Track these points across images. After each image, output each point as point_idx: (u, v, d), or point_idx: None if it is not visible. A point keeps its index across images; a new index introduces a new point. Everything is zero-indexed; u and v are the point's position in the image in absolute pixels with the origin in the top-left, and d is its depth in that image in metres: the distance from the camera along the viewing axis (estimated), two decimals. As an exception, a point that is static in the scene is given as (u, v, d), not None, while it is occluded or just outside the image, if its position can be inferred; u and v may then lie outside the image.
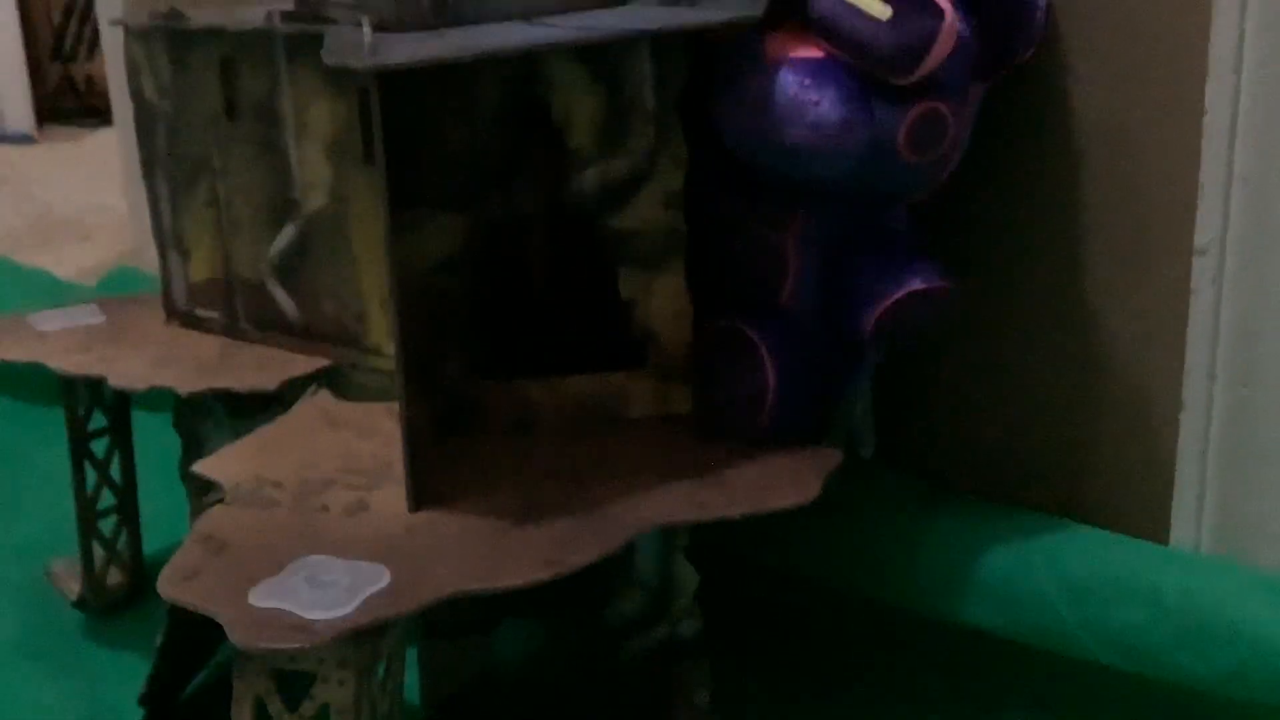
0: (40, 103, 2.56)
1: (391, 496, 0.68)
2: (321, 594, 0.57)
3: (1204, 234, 0.72)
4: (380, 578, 0.59)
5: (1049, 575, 0.74)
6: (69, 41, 2.66)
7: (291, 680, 0.58)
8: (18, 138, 2.49)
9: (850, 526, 0.83)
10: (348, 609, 0.56)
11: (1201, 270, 0.72)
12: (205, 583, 0.59)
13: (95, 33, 2.58)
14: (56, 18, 2.64)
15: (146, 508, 1.02)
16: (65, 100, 2.65)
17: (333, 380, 0.81)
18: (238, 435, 0.77)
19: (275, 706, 0.57)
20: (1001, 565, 0.76)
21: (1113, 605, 0.72)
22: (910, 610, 0.80)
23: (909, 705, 0.83)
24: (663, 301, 0.76)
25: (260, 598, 0.57)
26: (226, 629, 0.55)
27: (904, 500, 0.84)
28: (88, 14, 2.58)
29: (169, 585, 0.59)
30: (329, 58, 0.67)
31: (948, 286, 0.72)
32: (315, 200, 0.81)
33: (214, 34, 0.81)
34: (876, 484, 0.85)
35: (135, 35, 0.87)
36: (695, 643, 0.80)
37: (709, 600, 0.80)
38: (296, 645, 0.54)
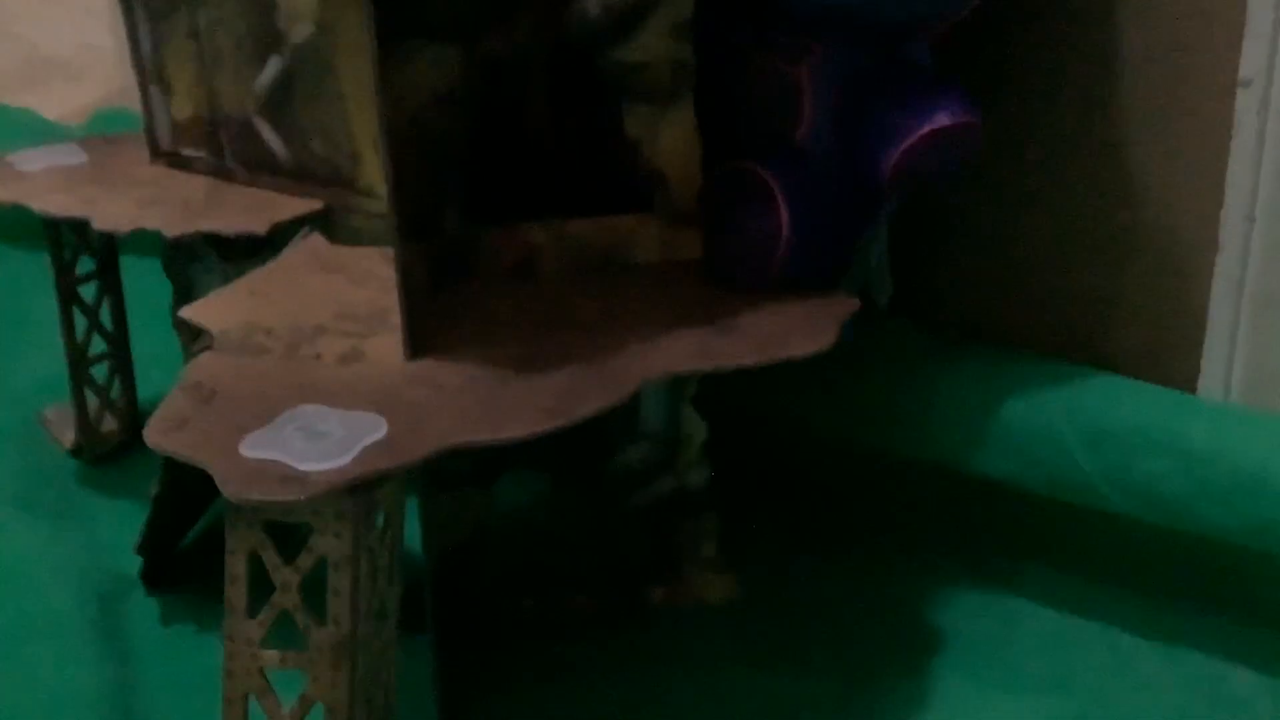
0: (21, -64, 2.47)
1: (387, 345, 0.65)
2: (316, 444, 0.55)
3: (1249, 64, 0.67)
4: (377, 428, 0.56)
5: (1067, 423, 0.72)
6: None
7: (286, 532, 0.56)
8: (-1, -27, 2.40)
9: (862, 377, 0.80)
10: (343, 460, 0.54)
11: (1245, 104, 0.68)
12: (194, 432, 0.57)
13: None
14: None
15: (141, 354, 0.99)
16: (47, -67, 2.55)
17: (325, 223, 0.78)
18: (228, 279, 0.74)
19: (270, 559, 0.55)
20: (1018, 413, 0.74)
21: (1134, 454, 0.69)
22: (923, 462, 0.78)
23: (921, 557, 0.82)
24: (671, 140, 0.72)
25: (252, 448, 0.55)
26: (217, 481, 0.53)
27: (918, 349, 0.82)
28: None
29: (156, 435, 0.56)
30: None
31: (976, 122, 0.68)
32: (301, 31, 0.76)
33: None
34: (890, 333, 0.83)
35: None
36: (703, 495, 0.79)
37: (716, 453, 0.78)
38: (290, 498, 0.52)
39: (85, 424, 0.95)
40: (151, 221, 0.79)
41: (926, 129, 0.68)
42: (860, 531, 0.84)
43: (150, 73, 0.86)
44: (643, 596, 0.80)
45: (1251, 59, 0.67)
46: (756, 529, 0.84)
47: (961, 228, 0.83)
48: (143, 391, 1.00)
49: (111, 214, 0.81)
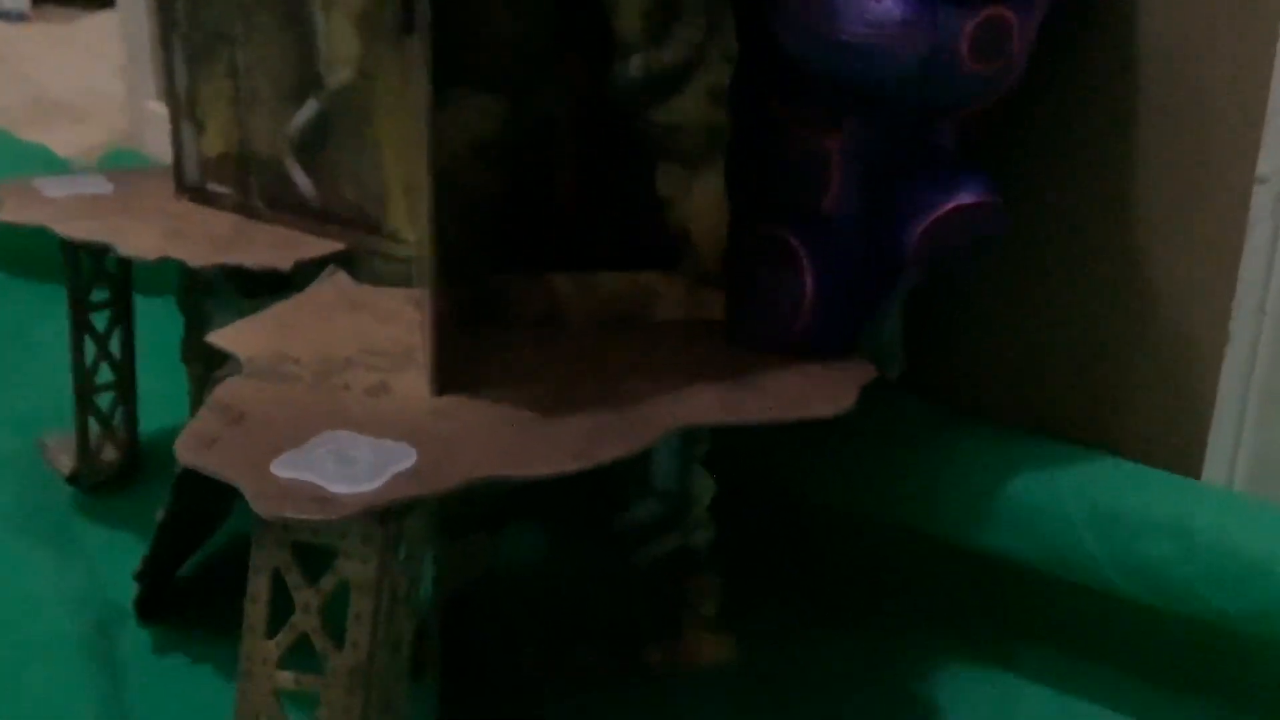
0: (35, -19, 2.51)
1: (414, 381, 0.66)
2: (347, 468, 0.55)
3: (1268, 161, 0.70)
4: (406, 457, 0.57)
5: (1076, 504, 0.73)
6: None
7: (309, 553, 0.56)
8: (11, 15, 2.43)
9: (871, 448, 0.81)
10: (374, 485, 0.54)
11: (1261, 200, 0.70)
12: (224, 450, 0.57)
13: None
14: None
15: (142, 391, 0.99)
16: (60, -20, 2.59)
17: (348, 265, 0.79)
18: (243, 315, 0.75)
19: (294, 579, 0.55)
20: (1027, 492, 0.75)
21: (1141, 537, 0.70)
22: (930, 536, 0.79)
23: (921, 630, 0.82)
24: (701, 201, 0.74)
25: (283, 468, 0.55)
26: (249, 497, 0.53)
27: (927, 423, 0.83)
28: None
29: (187, 451, 0.56)
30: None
31: (998, 202, 0.70)
32: (340, 76, 0.78)
33: (245, -108, 0.78)
34: (899, 407, 0.84)
35: (161, -108, 0.83)
36: (706, 555, 0.79)
37: (722, 516, 0.79)
38: (321, 517, 0.52)
39: (85, 451, 0.95)
40: (176, 252, 0.80)
41: (952, 205, 0.70)
42: (861, 601, 0.85)
43: (183, 110, 0.88)
44: (642, 654, 0.80)
45: (1270, 156, 0.70)
46: (757, 593, 0.84)
47: (973, 309, 0.84)
48: (143, 426, 1.00)
49: (136, 243, 0.82)
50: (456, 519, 0.76)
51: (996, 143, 0.78)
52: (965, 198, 0.70)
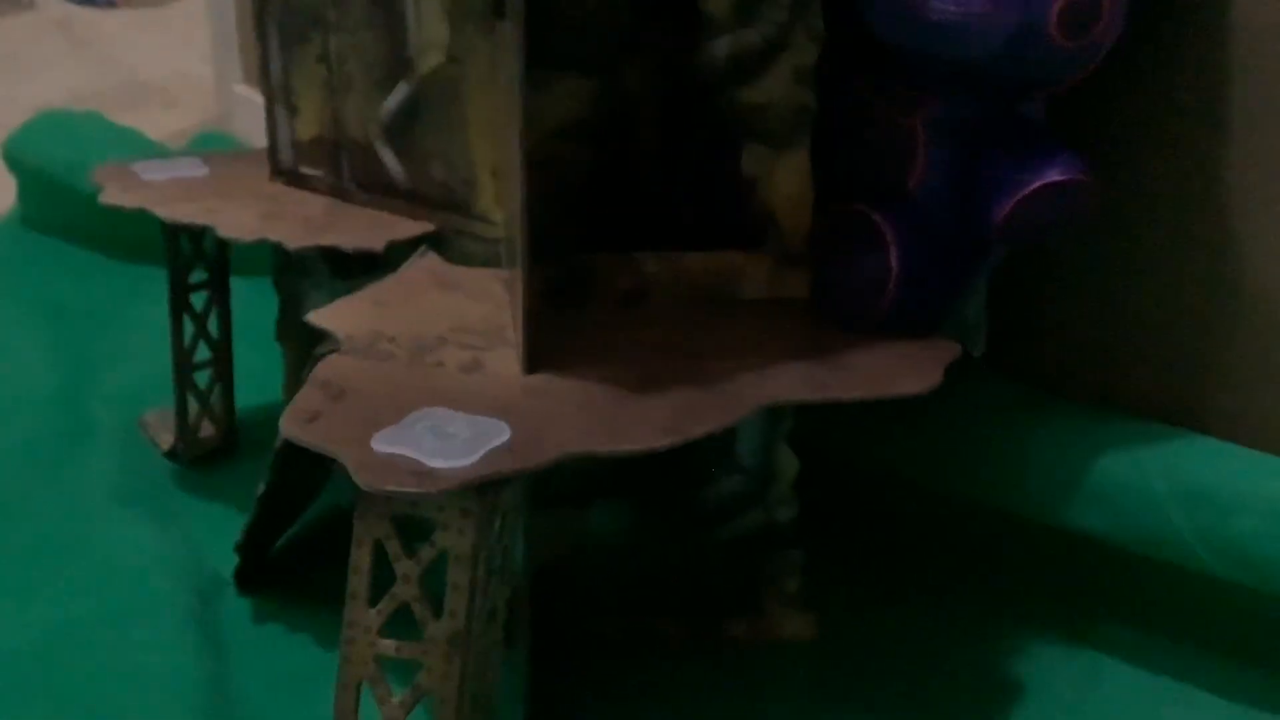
0: (123, -32, 2.56)
1: (505, 359, 0.67)
2: (444, 444, 0.57)
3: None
4: (501, 433, 0.58)
5: (1163, 482, 0.72)
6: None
7: (409, 525, 0.58)
8: (101, 2, 2.49)
9: (956, 425, 0.82)
10: (471, 459, 0.56)
11: (1356, 176, 0.69)
12: (327, 425, 0.59)
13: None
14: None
15: (236, 370, 1.02)
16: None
17: (438, 246, 0.81)
18: (337, 295, 0.77)
19: (395, 550, 0.57)
20: (1113, 470, 0.75)
21: (1229, 514, 0.70)
22: (1015, 515, 0.79)
23: (1004, 607, 0.82)
24: (786, 181, 0.74)
25: (383, 443, 0.57)
26: (351, 471, 0.55)
27: (1013, 401, 0.83)
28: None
29: (292, 426, 0.58)
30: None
31: (1087, 180, 0.70)
32: (430, 60, 0.79)
33: (339, -119, 0.80)
34: (985, 385, 0.84)
35: (256, -119, 0.85)
36: (790, 531, 0.80)
37: (805, 492, 0.79)
38: (421, 490, 0.54)
39: (184, 428, 0.98)
40: (273, 233, 0.82)
41: (1040, 183, 0.69)
42: (943, 578, 0.85)
43: (278, 95, 0.90)
44: (724, 628, 0.81)
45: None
46: (840, 569, 0.85)
47: (1059, 287, 0.84)
48: (239, 403, 1.03)
49: (234, 224, 0.84)
50: (547, 493, 0.78)
51: (1091, 126, 0.77)
52: (1054, 175, 0.70)
